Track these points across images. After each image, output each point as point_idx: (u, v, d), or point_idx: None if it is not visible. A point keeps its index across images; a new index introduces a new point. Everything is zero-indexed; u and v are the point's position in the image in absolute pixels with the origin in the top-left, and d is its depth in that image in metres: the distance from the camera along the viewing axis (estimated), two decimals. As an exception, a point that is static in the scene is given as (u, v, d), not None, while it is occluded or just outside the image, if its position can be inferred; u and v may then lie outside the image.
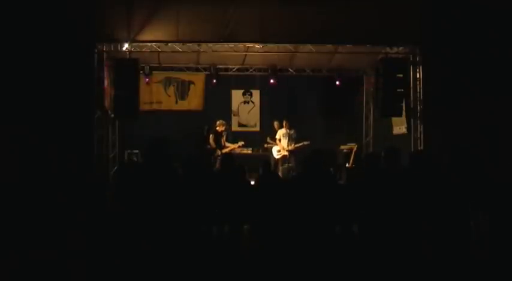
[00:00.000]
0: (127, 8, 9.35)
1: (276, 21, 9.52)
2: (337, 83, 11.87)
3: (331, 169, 9.76)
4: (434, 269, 4.75)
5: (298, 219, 5.23)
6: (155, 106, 12.43)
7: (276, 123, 12.02)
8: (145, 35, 9.58)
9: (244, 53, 11.14)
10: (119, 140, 11.29)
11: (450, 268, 4.75)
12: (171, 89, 12.51)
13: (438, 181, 5.06)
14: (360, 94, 12.65)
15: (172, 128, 11.69)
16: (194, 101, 12.53)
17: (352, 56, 11.11)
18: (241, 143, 11.79)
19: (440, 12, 9.37)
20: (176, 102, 12.55)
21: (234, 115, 13.36)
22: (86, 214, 5.75)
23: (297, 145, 11.62)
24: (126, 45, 10.03)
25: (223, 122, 11.59)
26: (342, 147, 12.00)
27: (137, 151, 11.18)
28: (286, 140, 11.71)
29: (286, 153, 11.64)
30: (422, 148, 9.95)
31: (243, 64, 11.85)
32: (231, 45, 10.32)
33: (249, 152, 12.14)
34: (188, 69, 12.07)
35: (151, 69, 11.61)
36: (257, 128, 13.38)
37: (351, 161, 11.41)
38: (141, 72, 11.04)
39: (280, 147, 11.73)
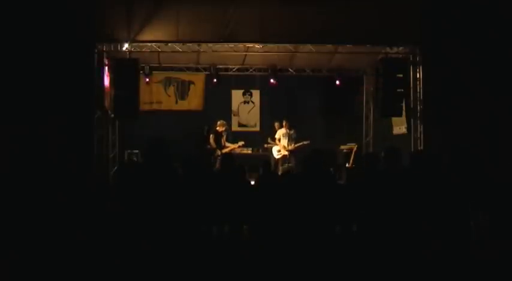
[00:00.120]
0: (127, 8, 9.35)
1: (276, 21, 9.52)
2: (337, 83, 11.87)
3: (331, 169, 9.79)
4: (434, 269, 4.75)
5: (298, 219, 5.23)
6: (155, 106, 12.43)
7: (276, 124, 12.03)
8: (145, 35, 9.58)
9: (244, 53, 11.14)
10: (119, 140, 11.29)
11: (450, 268, 4.75)
12: (171, 89, 12.52)
13: (438, 181, 5.06)
14: (360, 94, 12.65)
15: (172, 128, 11.69)
16: (194, 101, 12.54)
17: (352, 56, 11.12)
18: (241, 143, 11.79)
19: (440, 12, 9.37)
20: (176, 102, 12.56)
21: (234, 115, 13.37)
22: (86, 214, 5.75)
23: (296, 145, 11.63)
24: (126, 45, 10.04)
25: (224, 122, 11.59)
26: (342, 147, 12.01)
27: (137, 151, 11.18)
28: (286, 140, 11.71)
29: (286, 153, 11.65)
30: (422, 148, 9.95)
31: (243, 64, 11.85)
32: (231, 45, 10.32)
33: (249, 152, 12.14)
34: (188, 69, 12.07)
35: (151, 69, 11.61)
36: (257, 128, 13.39)
37: (351, 161, 11.41)
38: (141, 72, 11.04)
39: (280, 147, 11.73)
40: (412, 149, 9.96)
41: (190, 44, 10.35)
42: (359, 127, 12.61)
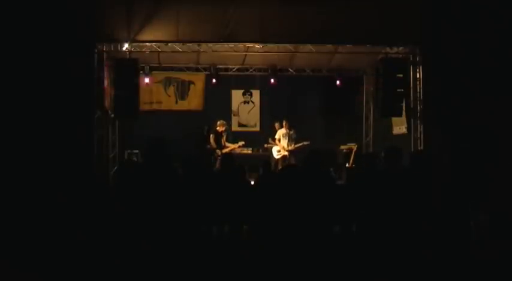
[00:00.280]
0: (127, 8, 9.34)
1: (276, 21, 9.52)
2: (337, 83, 11.86)
3: (331, 169, 9.80)
4: (434, 269, 4.75)
5: (298, 219, 5.23)
6: (155, 106, 12.44)
7: (276, 124, 12.04)
8: (145, 35, 9.58)
9: (244, 53, 11.14)
10: (119, 140, 11.29)
11: (450, 268, 4.75)
12: (171, 89, 12.52)
13: (438, 181, 5.06)
14: (360, 94, 12.65)
15: (172, 128, 11.69)
16: (194, 101, 12.54)
17: (352, 56, 11.11)
18: (241, 143, 11.79)
19: (440, 12, 9.37)
20: (176, 102, 12.56)
21: (234, 115, 13.37)
22: (85, 214, 5.75)
23: (296, 145, 11.63)
24: (126, 45, 10.03)
25: (224, 122, 11.59)
26: (342, 147, 12.01)
27: (137, 151, 11.18)
28: (286, 141, 11.71)
29: (286, 153, 11.65)
30: (422, 148, 9.95)
31: (243, 64, 11.85)
32: (231, 45, 10.32)
33: (249, 152, 12.15)
34: (188, 69, 12.06)
35: (151, 69, 11.60)
36: (257, 128, 13.39)
37: (350, 161, 11.42)
38: (141, 72, 11.04)
39: (280, 147, 11.73)
40: (412, 149, 9.95)
41: (190, 44, 10.34)
42: (359, 127, 12.61)
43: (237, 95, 13.39)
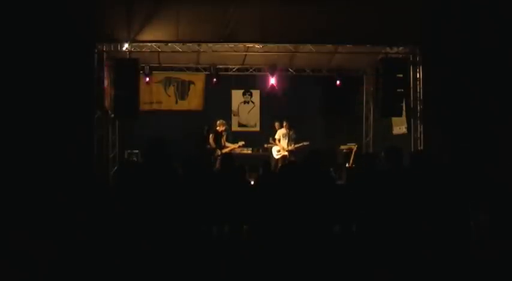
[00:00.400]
0: (127, 8, 9.34)
1: (276, 21, 9.52)
2: (337, 83, 11.86)
3: (331, 169, 9.80)
4: (434, 269, 4.75)
5: (298, 219, 5.23)
6: (155, 106, 12.44)
7: (276, 124, 12.04)
8: (145, 35, 9.58)
9: (244, 53, 11.14)
10: (119, 140, 11.29)
11: (450, 268, 4.75)
12: (171, 89, 12.52)
13: (438, 181, 5.06)
14: (360, 94, 12.65)
15: (172, 128, 11.68)
16: (194, 101, 12.54)
17: (352, 56, 11.11)
18: (241, 143, 11.79)
19: (440, 12, 9.37)
20: (176, 102, 12.56)
21: (234, 115, 13.37)
22: (85, 214, 5.75)
23: (296, 145, 11.63)
24: (126, 45, 10.03)
25: (223, 122, 11.58)
26: (342, 147, 12.01)
27: (137, 151, 11.18)
28: (286, 141, 11.72)
29: (286, 153, 11.65)
30: (422, 148, 9.95)
31: (243, 64, 11.84)
32: (231, 45, 10.32)
33: (249, 152, 12.15)
34: (188, 69, 12.06)
35: (151, 69, 11.59)
36: (257, 128, 13.40)
37: (350, 161, 11.42)
38: (141, 72, 11.04)
39: (280, 147, 11.73)
40: (412, 149, 9.95)
41: (190, 44, 10.34)
42: (359, 127, 12.61)
43: (237, 95, 13.39)
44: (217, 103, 12.70)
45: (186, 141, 11.45)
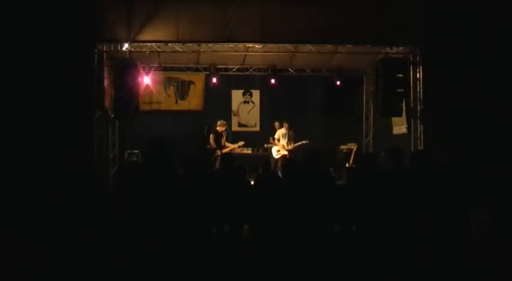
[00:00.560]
0: (127, 8, 9.34)
1: (276, 21, 9.51)
2: (337, 83, 11.86)
3: (331, 169, 9.80)
4: (434, 269, 4.75)
5: (298, 219, 5.23)
6: (155, 106, 12.44)
7: (276, 124, 12.04)
8: (145, 35, 9.57)
9: (244, 53, 11.13)
10: (119, 140, 11.29)
11: (450, 268, 4.75)
12: (171, 89, 12.52)
13: (438, 181, 5.06)
14: (360, 94, 12.65)
15: (172, 128, 11.69)
16: (194, 101, 12.55)
17: (352, 56, 11.11)
18: (241, 143, 11.79)
19: (440, 12, 9.37)
20: (176, 102, 12.57)
21: (234, 115, 13.38)
22: (85, 214, 5.75)
23: (295, 145, 11.63)
24: (126, 45, 10.03)
25: (224, 122, 11.58)
26: (342, 147, 12.01)
27: (137, 151, 11.18)
28: (286, 140, 11.72)
29: (285, 153, 11.65)
30: (422, 148, 9.95)
31: (243, 64, 11.84)
32: (231, 45, 10.31)
33: (249, 152, 12.15)
34: (188, 69, 12.05)
35: (152, 69, 11.59)
36: (257, 128, 13.40)
37: (350, 161, 11.42)
38: (141, 72, 11.03)
39: (280, 147, 11.74)
40: (412, 149, 9.95)
41: (190, 44, 10.34)
42: (359, 127, 12.61)
43: (237, 95, 13.39)
44: (217, 103, 12.70)
45: (186, 141, 11.45)
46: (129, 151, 11.43)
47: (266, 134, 12.23)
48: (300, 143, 11.57)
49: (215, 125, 11.49)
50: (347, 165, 11.36)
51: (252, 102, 13.45)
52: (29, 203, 6.30)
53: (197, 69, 12.03)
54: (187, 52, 10.76)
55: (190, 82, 12.49)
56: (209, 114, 12.22)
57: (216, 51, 10.63)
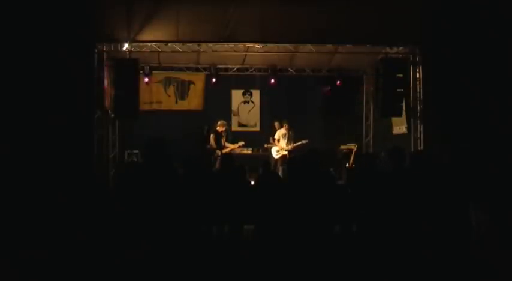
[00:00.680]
0: (127, 8, 9.34)
1: (276, 21, 9.51)
2: (337, 83, 11.86)
3: (331, 169, 9.80)
4: (434, 269, 4.75)
5: (298, 219, 5.23)
6: (155, 106, 12.43)
7: (276, 124, 12.04)
8: (145, 35, 9.58)
9: (244, 53, 11.14)
10: (119, 140, 11.29)
11: (450, 268, 4.75)
12: (171, 89, 12.51)
13: (438, 181, 5.06)
14: (360, 94, 12.65)
15: (172, 128, 11.68)
16: (194, 101, 12.54)
17: (352, 56, 11.11)
18: (241, 143, 11.79)
19: (440, 12, 9.37)
20: (176, 102, 12.56)
21: (234, 115, 13.37)
22: (85, 214, 5.76)
23: (295, 144, 11.63)
24: (126, 45, 10.04)
25: (224, 122, 11.58)
26: (342, 147, 12.01)
27: (137, 151, 11.18)
28: (285, 141, 11.72)
29: (285, 152, 11.65)
30: (422, 148, 9.95)
31: (243, 64, 11.84)
32: (231, 45, 10.32)
33: (249, 152, 12.15)
34: (188, 69, 12.06)
35: (151, 69, 11.59)
36: (257, 128, 13.40)
37: (350, 161, 11.42)
38: (141, 72, 11.03)
39: (279, 147, 11.74)
40: (412, 149, 9.95)
41: (190, 44, 10.34)
42: (359, 127, 12.61)
43: (237, 95, 13.39)
44: (217, 103, 12.70)
45: (186, 141, 11.44)
46: (129, 151, 11.43)
47: (266, 134, 12.24)
48: (300, 143, 11.58)
49: (215, 125, 11.49)
50: (347, 165, 11.37)
51: (252, 102, 13.45)
52: (29, 203, 6.30)
53: (197, 69, 12.03)
54: (187, 52, 10.77)
55: (190, 82, 12.48)
56: (209, 114, 12.21)
57: (216, 51, 10.63)
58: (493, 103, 8.67)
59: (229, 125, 12.34)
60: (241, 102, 13.45)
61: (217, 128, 11.43)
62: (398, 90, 10.14)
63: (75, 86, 9.00)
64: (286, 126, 11.76)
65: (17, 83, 8.52)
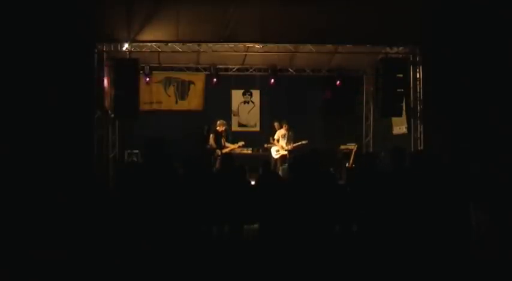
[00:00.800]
0: (127, 8, 9.34)
1: (276, 21, 9.51)
2: (337, 83, 11.85)
3: (331, 169, 9.80)
4: (435, 269, 4.75)
5: (299, 219, 5.23)
6: (155, 106, 12.43)
7: (276, 124, 12.04)
8: (145, 35, 9.58)
9: (244, 53, 11.14)
10: (119, 140, 11.29)
11: (450, 268, 4.75)
12: (171, 89, 12.51)
13: (438, 181, 5.06)
14: (360, 94, 12.64)
15: (172, 128, 11.67)
16: (194, 101, 12.53)
17: (352, 56, 11.11)
18: (241, 143, 11.78)
19: (440, 12, 9.37)
20: (176, 102, 12.55)
21: (234, 115, 13.37)
22: (85, 214, 5.76)
23: (295, 145, 11.63)
24: (126, 45, 10.04)
25: (223, 121, 11.58)
26: (342, 147, 12.01)
27: (137, 151, 11.18)
28: (285, 141, 11.73)
29: (285, 153, 11.65)
30: (422, 147, 9.95)
31: (243, 64, 11.84)
32: (231, 45, 10.32)
33: (249, 152, 12.14)
34: (188, 69, 12.06)
35: (151, 69, 11.58)
36: (257, 128, 13.39)
37: (350, 161, 11.42)
38: (141, 72, 11.03)
39: (279, 147, 11.74)
40: (412, 149, 9.95)
41: (190, 44, 10.34)
42: (359, 127, 12.61)
43: (237, 95, 13.39)
44: (217, 103, 12.69)
45: (186, 141, 11.44)
46: (129, 151, 11.43)
47: (266, 134, 12.23)
48: (300, 143, 11.57)
49: (215, 125, 11.49)
50: (347, 165, 11.36)
51: (252, 102, 13.45)
52: (29, 202, 6.30)
53: (197, 69, 12.03)
54: (187, 52, 10.77)
55: (190, 82, 12.48)
56: (209, 114, 12.20)
57: (216, 51, 10.63)
58: (493, 103, 8.67)
59: (229, 125, 12.33)
60: (241, 102, 13.45)
61: (217, 127, 11.42)
62: (398, 90, 10.14)
63: (75, 86, 9.00)
64: (286, 126, 11.76)
65: (17, 83, 8.52)
